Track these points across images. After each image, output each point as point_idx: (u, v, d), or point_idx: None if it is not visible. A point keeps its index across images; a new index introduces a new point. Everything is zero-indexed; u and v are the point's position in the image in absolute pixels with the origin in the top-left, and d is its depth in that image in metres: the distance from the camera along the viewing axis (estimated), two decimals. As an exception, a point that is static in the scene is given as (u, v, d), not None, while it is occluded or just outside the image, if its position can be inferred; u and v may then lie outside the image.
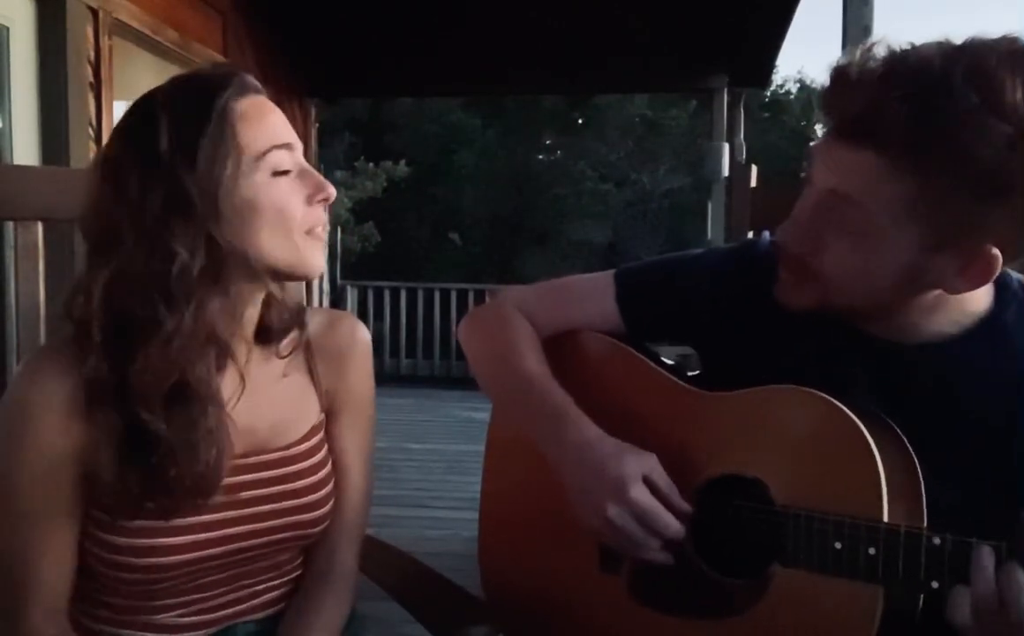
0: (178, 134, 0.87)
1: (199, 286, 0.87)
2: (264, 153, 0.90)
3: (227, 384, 0.95)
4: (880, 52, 0.84)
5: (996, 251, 0.84)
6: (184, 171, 0.86)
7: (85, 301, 0.88)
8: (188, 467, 0.88)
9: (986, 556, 0.78)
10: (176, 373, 0.87)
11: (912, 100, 0.80)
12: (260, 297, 0.97)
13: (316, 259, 0.95)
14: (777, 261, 0.98)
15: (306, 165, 0.95)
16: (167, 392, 0.87)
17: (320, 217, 0.95)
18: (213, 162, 0.86)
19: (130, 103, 0.93)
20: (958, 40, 0.83)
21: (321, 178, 0.94)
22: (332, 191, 0.95)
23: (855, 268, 0.89)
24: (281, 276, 0.95)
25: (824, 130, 0.90)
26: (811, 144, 0.93)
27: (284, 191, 0.91)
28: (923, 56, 0.83)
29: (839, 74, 0.87)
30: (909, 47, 0.84)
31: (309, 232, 0.93)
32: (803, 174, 0.94)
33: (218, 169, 0.87)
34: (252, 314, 0.97)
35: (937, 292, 0.90)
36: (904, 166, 0.82)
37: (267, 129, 0.92)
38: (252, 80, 0.94)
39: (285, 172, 0.92)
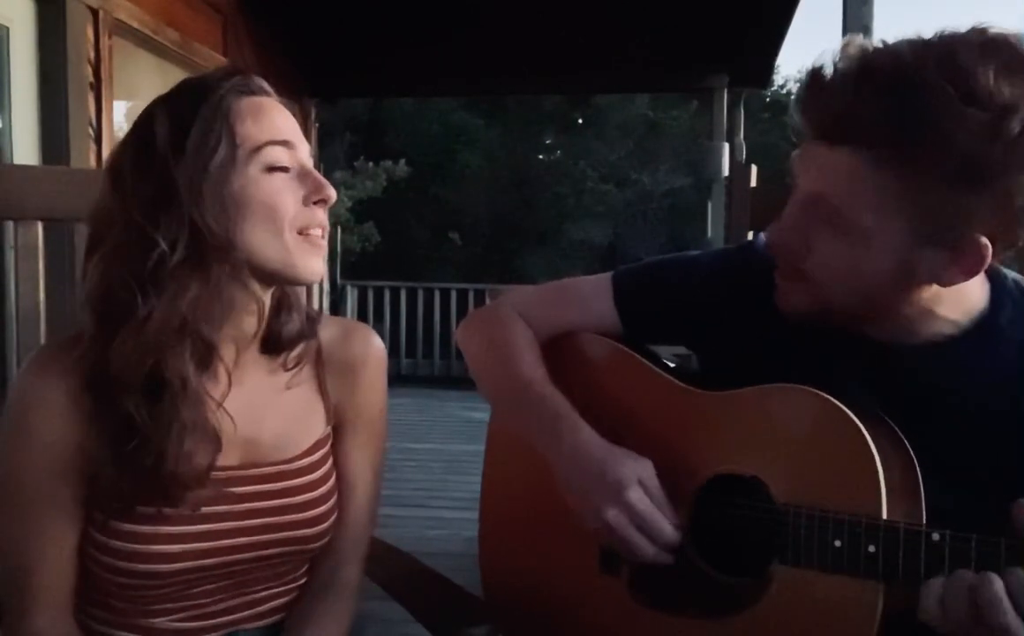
0: (173, 127, 0.87)
1: (176, 276, 0.86)
2: (260, 147, 0.89)
3: (218, 386, 0.93)
4: (852, 52, 0.85)
5: (985, 240, 0.84)
6: (173, 162, 0.86)
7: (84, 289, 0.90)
8: (163, 458, 0.87)
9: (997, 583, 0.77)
10: (150, 360, 0.87)
11: (887, 95, 0.81)
12: (259, 304, 0.95)
13: (309, 262, 0.92)
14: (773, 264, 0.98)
15: (308, 166, 0.94)
16: (144, 381, 0.87)
17: (317, 219, 0.92)
18: (202, 150, 0.86)
19: (130, 103, 0.93)
20: (928, 36, 0.84)
21: (321, 179, 0.93)
22: (332, 193, 0.93)
23: (844, 269, 0.89)
24: (274, 279, 0.94)
25: (804, 134, 0.90)
26: (793, 152, 0.93)
27: (276, 187, 0.90)
28: (895, 52, 0.83)
29: (814, 76, 0.87)
30: (881, 45, 0.85)
31: (302, 232, 0.91)
32: (787, 180, 0.95)
33: (206, 157, 0.86)
34: (251, 321, 0.95)
35: (933, 289, 0.90)
36: (884, 161, 0.83)
37: (266, 125, 0.91)
38: (260, 83, 0.94)
39: (283, 169, 0.91)
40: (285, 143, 0.91)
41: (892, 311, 0.93)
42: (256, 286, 0.93)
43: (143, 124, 0.90)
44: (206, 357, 0.90)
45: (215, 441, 0.92)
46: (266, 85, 0.95)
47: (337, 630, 1.05)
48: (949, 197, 0.82)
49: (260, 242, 0.89)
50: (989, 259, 0.85)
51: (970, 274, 0.88)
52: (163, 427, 0.87)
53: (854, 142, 0.84)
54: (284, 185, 0.91)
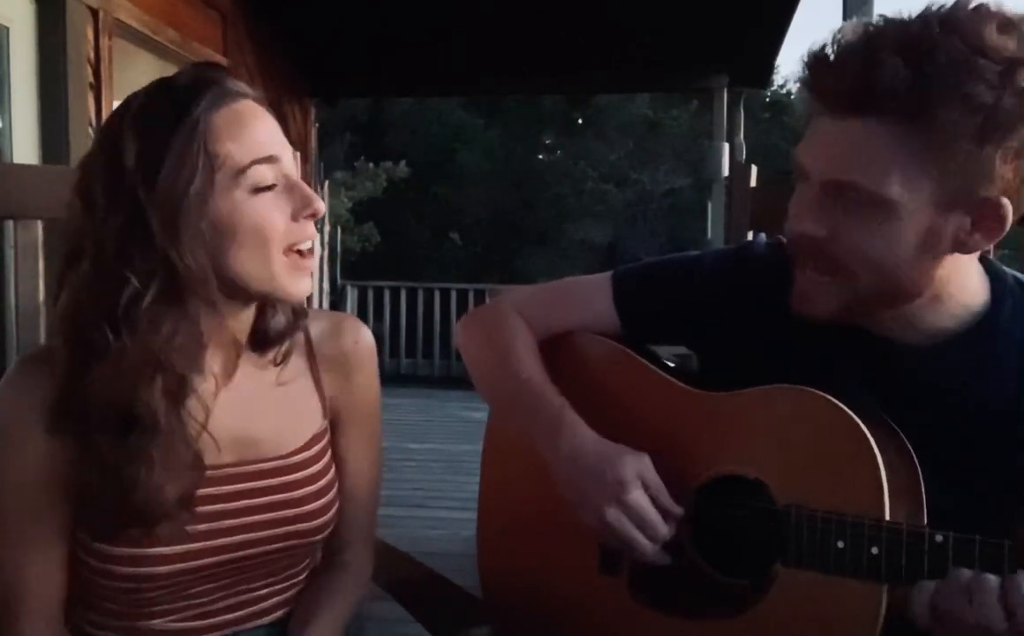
0: (143, 152, 0.83)
1: (151, 314, 0.83)
2: (244, 168, 0.85)
3: (200, 406, 0.91)
4: (854, 28, 0.86)
5: (1005, 200, 0.85)
6: (145, 192, 0.82)
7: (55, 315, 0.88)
8: (133, 491, 0.85)
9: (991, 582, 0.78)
10: (124, 398, 0.84)
11: (901, 59, 0.81)
12: (246, 311, 0.94)
13: (297, 285, 0.90)
14: (792, 264, 0.96)
15: (294, 177, 0.90)
16: (120, 416, 0.85)
17: (306, 233, 0.89)
18: (176, 181, 0.82)
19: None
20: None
21: (309, 192, 0.89)
22: (320, 206, 0.90)
23: (873, 248, 0.88)
24: (259, 300, 0.93)
25: (813, 116, 0.89)
26: (798, 145, 0.93)
27: (265, 210, 0.86)
28: (899, 22, 0.85)
29: (818, 56, 0.87)
30: (881, 20, 0.86)
31: (291, 249, 0.88)
32: (790, 173, 0.94)
33: (181, 188, 0.82)
34: (239, 326, 0.94)
35: (947, 268, 0.90)
36: (906, 124, 0.82)
37: (248, 141, 0.86)
38: (234, 84, 0.88)
39: (268, 187, 0.87)
40: (269, 159, 0.87)
41: (916, 289, 0.91)
42: (233, 314, 0.92)
43: (111, 144, 0.84)
44: (179, 391, 0.88)
45: (193, 469, 0.90)
46: (243, 86, 0.89)
47: (342, 608, 1.07)
48: (969, 153, 0.82)
49: (249, 268, 0.87)
50: (1010, 220, 0.85)
51: (992, 237, 0.87)
52: (132, 461, 0.85)
53: (872, 111, 0.83)
54: (272, 204, 0.87)
